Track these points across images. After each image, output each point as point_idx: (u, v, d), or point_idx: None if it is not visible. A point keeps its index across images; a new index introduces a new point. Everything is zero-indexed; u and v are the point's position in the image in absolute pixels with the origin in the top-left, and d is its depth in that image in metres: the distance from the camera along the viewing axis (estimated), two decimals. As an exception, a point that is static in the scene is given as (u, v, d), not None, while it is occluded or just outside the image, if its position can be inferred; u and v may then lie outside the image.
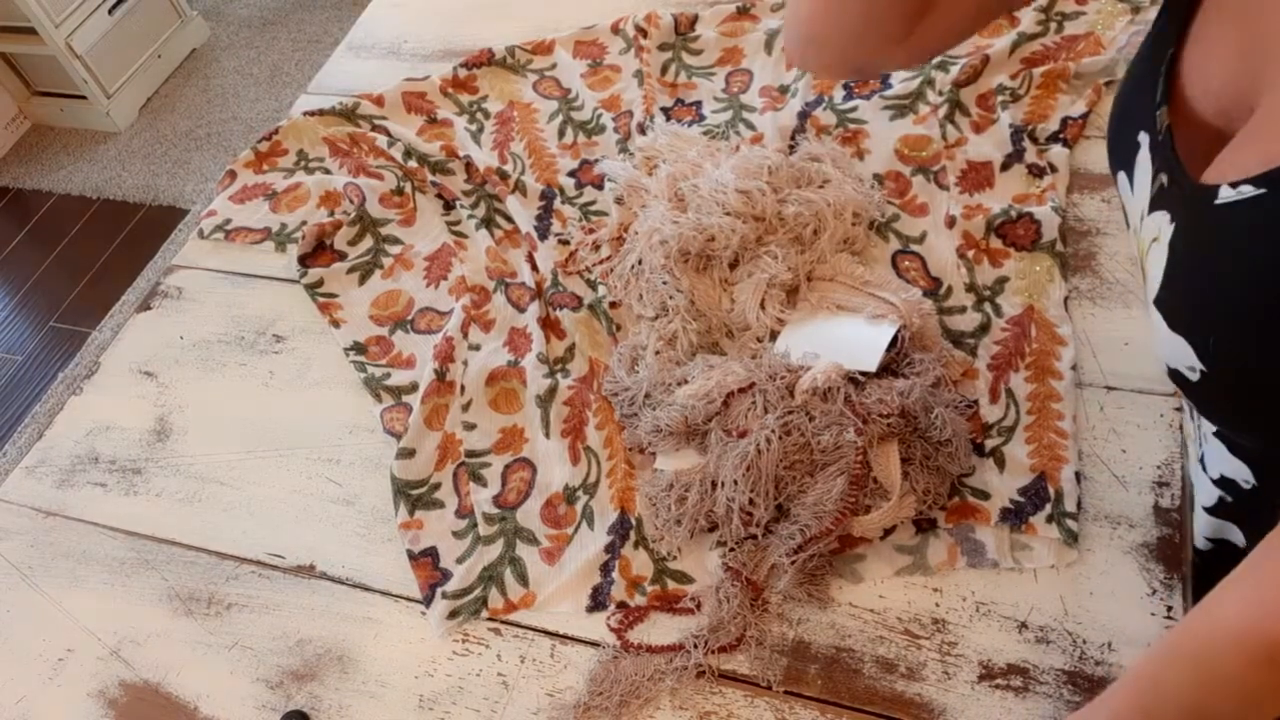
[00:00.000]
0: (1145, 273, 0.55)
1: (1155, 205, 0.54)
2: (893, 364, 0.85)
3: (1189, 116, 0.53)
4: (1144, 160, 0.55)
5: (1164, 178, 0.53)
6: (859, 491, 0.77)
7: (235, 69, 3.00)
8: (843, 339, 0.87)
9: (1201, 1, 0.54)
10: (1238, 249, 0.47)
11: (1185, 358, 0.52)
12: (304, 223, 1.15)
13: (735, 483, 0.78)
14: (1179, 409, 0.82)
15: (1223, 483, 0.66)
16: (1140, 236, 0.56)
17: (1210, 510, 0.70)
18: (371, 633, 0.83)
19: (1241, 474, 0.63)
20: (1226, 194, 0.46)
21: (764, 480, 0.78)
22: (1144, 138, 0.56)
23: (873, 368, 0.83)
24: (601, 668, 0.77)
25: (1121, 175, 0.59)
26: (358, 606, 0.85)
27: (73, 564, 0.93)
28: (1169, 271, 0.52)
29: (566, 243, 1.06)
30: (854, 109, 1.10)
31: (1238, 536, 0.70)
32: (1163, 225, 0.52)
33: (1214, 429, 0.64)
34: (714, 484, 0.80)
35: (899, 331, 0.86)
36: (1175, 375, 0.54)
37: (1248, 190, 0.45)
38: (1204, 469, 0.68)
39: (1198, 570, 0.75)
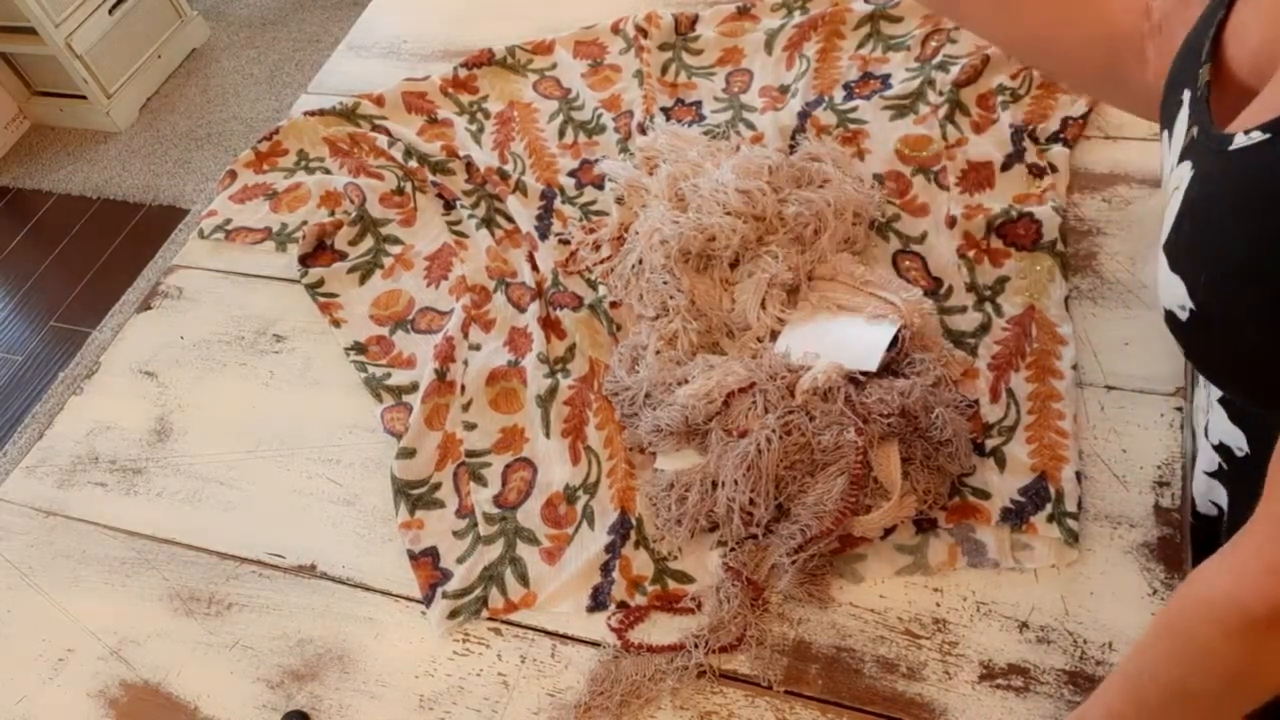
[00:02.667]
0: (1163, 222, 0.57)
1: (1184, 156, 0.56)
2: (893, 364, 0.85)
3: (1227, 74, 0.56)
4: (1183, 116, 0.58)
5: (1195, 130, 0.55)
6: (859, 491, 0.77)
7: (235, 69, 3.00)
8: (843, 339, 0.87)
9: None
10: (1240, 190, 0.49)
11: (1178, 297, 0.54)
12: (304, 223, 1.15)
13: (735, 482, 0.78)
14: (1179, 409, 0.82)
15: (1221, 449, 0.67)
16: (1166, 188, 0.58)
17: (1210, 474, 0.71)
18: (372, 633, 0.83)
19: (1237, 441, 0.64)
20: (1240, 140, 0.49)
21: (764, 480, 0.78)
22: (1186, 95, 0.58)
23: (873, 367, 0.83)
24: (602, 667, 0.77)
25: (1165, 134, 0.61)
26: (358, 606, 0.85)
27: (73, 564, 0.93)
28: (1179, 215, 0.54)
29: (567, 242, 1.06)
30: (854, 109, 1.10)
31: (1226, 501, 0.71)
32: (1185, 174, 0.55)
33: (1219, 395, 0.65)
34: (714, 484, 0.80)
35: (899, 331, 0.86)
36: (1169, 317, 0.56)
37: (1256, 136, 0.48)
38: (1206, 435, 0.70)
39: (1195, 533, 0.76)
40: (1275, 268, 0.47)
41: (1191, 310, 0.53)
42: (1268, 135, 0.47)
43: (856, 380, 0.82)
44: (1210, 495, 0.74)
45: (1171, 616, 0.54)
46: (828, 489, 0.78)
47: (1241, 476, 0.68)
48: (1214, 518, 0.75)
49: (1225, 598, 0.48)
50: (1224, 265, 0.50)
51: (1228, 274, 0.50)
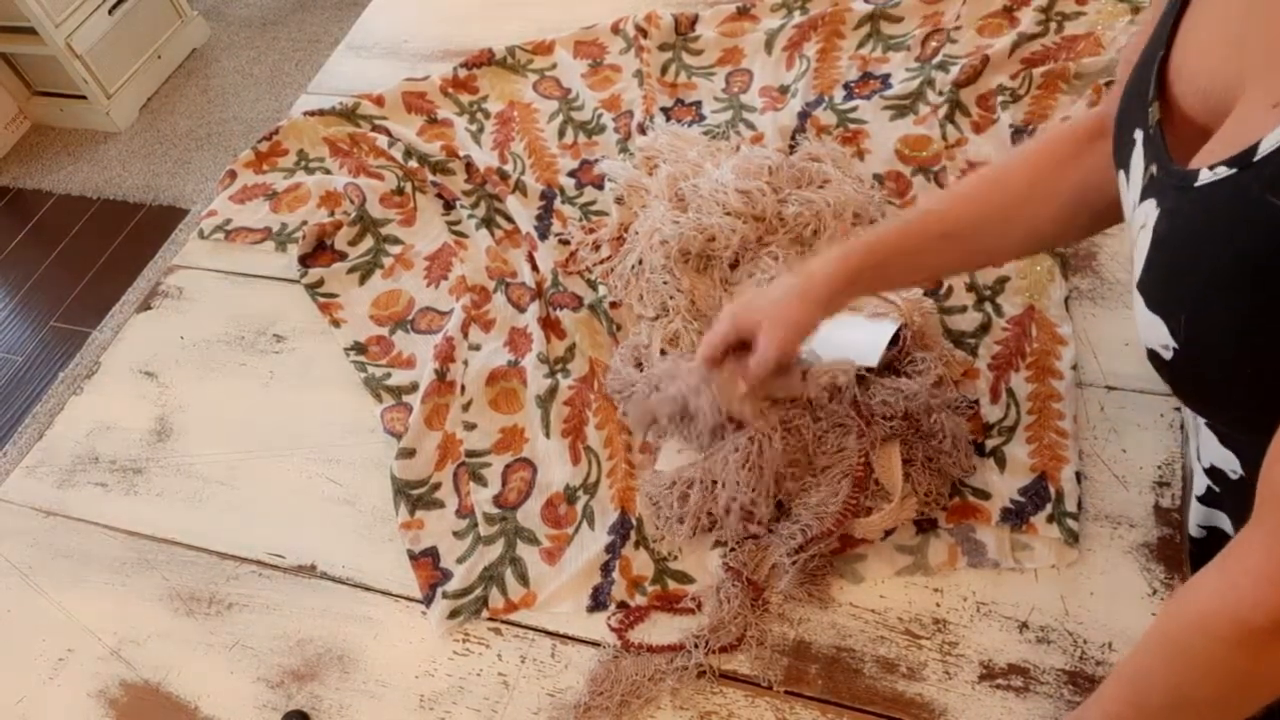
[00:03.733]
0: (1133, 260, 0.57)
1: (1145, 194, 0.56)
2: (895, 362, 0.85)
3: (1178, 112, 0.56)
4: (1138, 155, 0.58)
5: (1154, 168, 0.56)
6: (860, 494, 0.77)
7: (235, 69, 3.00)
8: (843, 337, 0.87)
9: (1190, 3, 0.56)
10: (1211, 226, 0.50)
11: (1160, 336, 0.54)
12: (304, 223, 1.15)
13: (737, 483, 0.78)
14: (1179, 408, 0.82)
15: (1212, 472, 0.67)
16: (1132, 226, 0.59)
17: (1201, 499, 0.72)
18: (372, 633, 0.83)
19: (1230, 464, 0.64)
20: (1205, 176, 0.50)
21: (765, 478, 0.78)
22: (1138, 134, 0.58)
23: (874, 364, 0.83)
24: (602, 668, 0.77)
25: (1121, 174, 0.61)
26: (358, 606, 0.85)
27: (73, 564, 0.93)
28: (1150, 254, 0.54)
29: (567, 243, 1.06)
30: (854, 109, 1.10)
31: (1227, 525, 0.71)
32: (1150, 212, 0.55)
33: (1206, 420, 0.65)
34: (715, 482, 0.80)
35: (900, 330, 0.86)
36: (1152, 356, 0.56)
37: (1222, 171, 0.48)
38: (1198, 459, 0.70)
39: (1193, 558, 0.76)
40: (1254, 297, 0.48)
41: (1175, 349, 0.53)
42: (1234, 170, 0.48)
43: (862, 378, 0.82)
44: (1199, 519, 0.74)
45: (1168, 627, 0.54)
46: (831, 492, 0.77)
47: (1239, 498, 0.67)
48: (1202, 540, 0.75)
49: (1221, 609, 0.49)
50: (1204, 301, 0.51)
51: (1208, 309, 0.50)
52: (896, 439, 0.79)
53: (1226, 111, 0.51)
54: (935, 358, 0.85)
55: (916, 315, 0.87)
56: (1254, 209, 0.46)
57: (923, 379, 0.82)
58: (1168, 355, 0.54)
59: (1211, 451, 0.66)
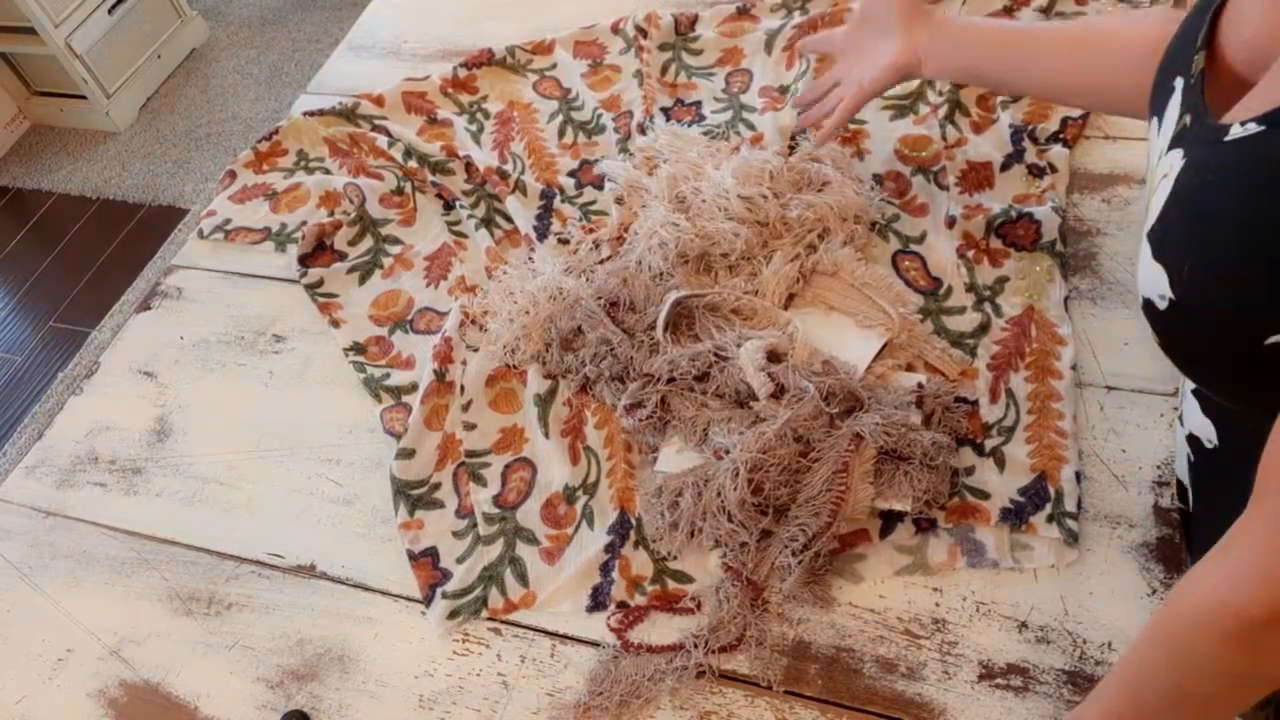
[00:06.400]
0: (1149, 209, 0.57)
1: (1174, 144, 0.56)
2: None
3: (1222, 64, 0.55)
4: (1174, 103, 0.57)
5: (1188, 118, 0.55)
6: (847, 476, 0.77)
7: (235, 69, 3.00)
8: (830, 345, 0.88)
9: None
10: (1233, 181, 0.49)
11: (1159, 286, 0.54)
12: (304, 223, 1.15)
13: (729, 516, 0.78)
14: (1178, 408, 0.82)
15: (1191, 439, 0.67)
16: (1154, 174, 0.58)
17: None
18: (371, 633, 0.83)
19: (1207, 432, 0.64)
20: (1236, 131, 0.49)
21: (746, 507, 0.78)
22: (1179, 82, 0.58)
23: (859, 374, 0.83)
24: (601, 668, 0.77)
25: (1154, 120, 0.61)
26: (358, 606, 0.85)
27: (73, 564, 0.93)
28: (1167, 203, 0.54)
29: (566, 242, 1.06)
30: (854, 109, 1.10)
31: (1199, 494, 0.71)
32: (1175, 162, 0.54)
33: (1192, 386, 0.65)
34: (706, 482, 0.80)
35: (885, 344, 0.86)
36: (1147, 306, 0.56)
37: (1253, 127, 0.48)
38: (1182, 424, 0.70)
39: (1185, 518, 0.76)
40: (1262, 259, 0.47)
41: (1171, 300, 0.53)
42: (1264, 127, 0.47)
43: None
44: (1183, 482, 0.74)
45: (1168, 622, 0.54)
46: (823, 486, 0.77)
47: (1209, 469, 0.67)
48: (1193, 515, 0.75)
49: (1221, 604, 0.48)
50: (1210, 255, 0.50)
51: (1212, 264, 0.50)
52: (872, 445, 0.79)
53: (1267, 66, 0.51)
54: (911, 390, 0.83)
55: (904, 334, 0.87)
56: (1277, 168, 0.46)
57: (905, 411, 0.81)
58: (1163, 305, 0.54)
59: (1192, 419, 0.66)
